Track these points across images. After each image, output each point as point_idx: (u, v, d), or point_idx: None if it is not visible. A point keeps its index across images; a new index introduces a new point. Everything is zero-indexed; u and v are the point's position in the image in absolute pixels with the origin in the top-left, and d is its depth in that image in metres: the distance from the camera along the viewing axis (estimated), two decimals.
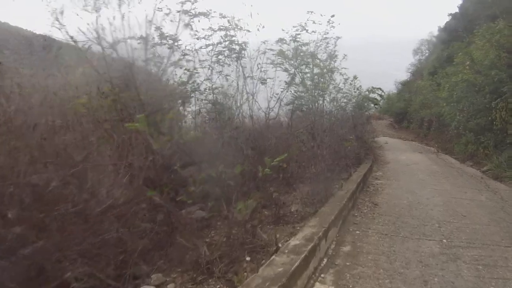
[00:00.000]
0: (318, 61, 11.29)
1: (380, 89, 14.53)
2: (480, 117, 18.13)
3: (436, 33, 52.26)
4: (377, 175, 13.74)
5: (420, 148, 25.93)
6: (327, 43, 11.49)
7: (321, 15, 10.69)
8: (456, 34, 31.39)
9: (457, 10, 41.13)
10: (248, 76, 9.57)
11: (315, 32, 10.87)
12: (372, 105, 16.95)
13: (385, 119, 51.47)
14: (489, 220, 8.18)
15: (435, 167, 16.80)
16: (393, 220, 7.82)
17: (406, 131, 39.50)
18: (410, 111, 39.59)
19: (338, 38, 11.54)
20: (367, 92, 14.65)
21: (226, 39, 8.92)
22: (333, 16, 10.87)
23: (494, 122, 16.09)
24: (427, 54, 53.47)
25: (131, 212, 4.56)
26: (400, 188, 11.37)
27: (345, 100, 14.88)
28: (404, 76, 55.67)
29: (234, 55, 9.18)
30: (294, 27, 10.40)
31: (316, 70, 11.21)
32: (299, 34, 10.39)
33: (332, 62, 11.95)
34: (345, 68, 12.62)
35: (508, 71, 16.33)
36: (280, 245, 5.02)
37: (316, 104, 11.67)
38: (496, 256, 6.00)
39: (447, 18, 43.53)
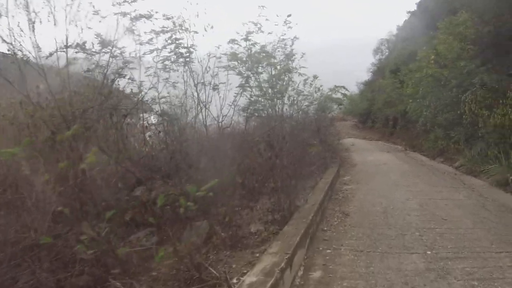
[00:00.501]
0: (274, 60, 10.45)
1: (344, 87, 13.63)
2: (448, 112, 17.59)
3: (395, 32, 52.55)
4: (346, 179, 12.85)
5: (387, 147, 25.34)
6: (285, 44, 10.91)
7: (277, 16, 10.27)
8: (416, 31, 31.18)
9: (416, 8, 41.20)
10: (198, 83, 8.80)
11: (271, 33, 10.36)
12: (336, 105, 16.09)
13: (349, 120, 51.65)
14: (473, 222, 7.38)
15: (405, 166, 16.10)
16: (367, 232, 6.85)
17: (371, 131, 39.34)
18: (374, 110, 39.59)
19: (296, 38, 10.93)
20: (329, 92, 13.67)
21: (171, 42, 8.10)
22: (289, 15, 10.32)
23: (464, 116, 15.44)
24: (387, 53, 53.30)
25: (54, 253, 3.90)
26: (372, 192, 10.49)
27: (306, 103, 14.00)
28: (366, 76, 55.59)
29: (181, 60, 8.38)
30: (244, 24, 9.59)
31: (272, 71, 10.42)
32: (251, 32, 9.60)
33: (290, 62, 11.18)
34: (304, 67, 11.69)
35: (475, 62, 15.87)
36: (235, 280, 4.08)
37: (276, 108, 10.83)
38: (490, 267, 5.14)
39: (407, 16, 44.01)
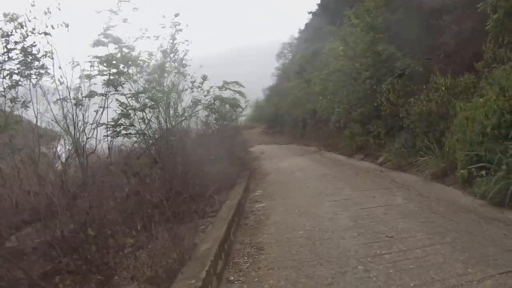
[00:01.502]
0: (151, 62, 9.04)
1: (237, 82, 11.30)
2: (363, 105, 16.19)
3: (296, 35, 52.11)
4: (257, 195, 10.68)
5: (299, 150, 23.44)
6: (176, 49, 9.79)
7: (164, 16, 9.15)
8: (318, 31, 30.22)
9: (316, 8, 40.39)
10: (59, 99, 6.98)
11: (157, 37, 9.21)
12: (235, 110, 14.00)
13: (258, 127, 50.41)
14: (428, 236, 5.63)
15: (323, 168, 14.25)
16: (292, 277, 4.72)
17: (281, 135, 37.74)
18: (281, 113, 38.51)
19: (188, 42, 9.92)
20: (218, 92, 11.25)
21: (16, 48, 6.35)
22: (177, 15, 9.29)
23: (382, 108, 13.84)
24: (290, 56, 52.66)
25: None
26: (290, 210, 8.37)
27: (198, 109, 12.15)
28: (271, 82, 54.84)
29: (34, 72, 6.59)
30: (97, 12, 7.33)
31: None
32: (112, 26, 7.43)
33: (182, 68, 10.18)
34: (187, 66, 10.35)
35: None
36: None
37: (160, 121, 9.21)
38: None
39: (308, 19, 43.50)
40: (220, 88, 10.78)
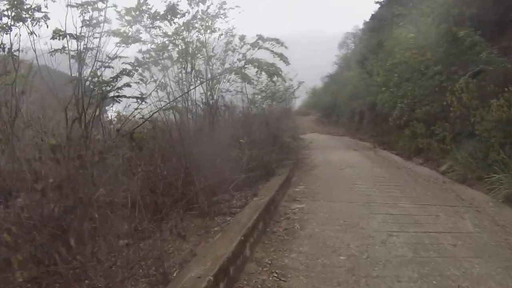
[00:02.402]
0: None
1: (277, 40, 9.42)
2: (429, 104, 14.26)
3: (361, 26, 49.78)
4: (298, 191, 9.08)
5: (353, 144, 21.63)
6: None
7: None
8: (384, 22, 28.15)
9: None
10: None
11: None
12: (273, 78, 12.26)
13: (312, 115, 48.96)
14: None
15: (377, 169, 12.50)
16: None
17: (336, 126, 35.94)
18: (339, 103, 36.50)
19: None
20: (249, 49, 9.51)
21: None
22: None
23: (451, 109, 11.91)
24: (352, 47, 50.50)
25: None
26: (334, 218, 6.71)
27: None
28: (331, 70, 52.96)
29: None
30: None
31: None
32: None
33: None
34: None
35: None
36: None
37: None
38: None
39: (375, 8, 41.13)
40: (253, 46, 9.08)
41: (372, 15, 41.00)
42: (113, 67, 6.22)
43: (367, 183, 10.01)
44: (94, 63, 5.79)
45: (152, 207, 5.27)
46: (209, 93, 9.16)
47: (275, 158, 10.17)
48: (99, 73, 5.92)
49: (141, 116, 7.29)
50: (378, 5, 38.49)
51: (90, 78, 5.74)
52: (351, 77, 30.87)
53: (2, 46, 5.09)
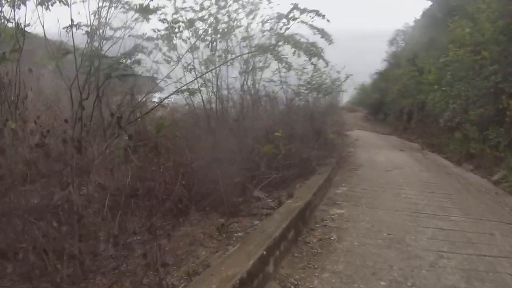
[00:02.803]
0: None
1: (317, 12, 8.32)
2: (483, 106, 13.24)
3: (411, 24, 48.26)
4: (339, 193, 8.37)
5: (400, 144, 20.61)
6: None
7: None
8: (435, 20, 27.38)
9: None
10: None
11: None
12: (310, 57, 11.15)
13: (360, 111, 48.05)
14: None
15: (426, 174, 11.59)
16: None
17: (383, 124, 34.85)
18: (387, 101, 35.13)
19: None
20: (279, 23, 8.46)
21: None
22: None
23: (508, 112, 11.03)
24: (403, 45, 49.05)
25: None
26: (376, 229, 6.00)
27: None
28: (380, 67, 51.69)
29: None
30: None
31: None
32: None
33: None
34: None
35: None
36: None
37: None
38: None
39: (426, 5, 39.66)
40: (284, 19, 8.14)
41: (423, 12, 39.80)
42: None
43: (415, 189, 9.19)
44: (100, 40, 5.27)
45: (174, 202, 4.72)
46: (249, 80, 8.58)
47: (316, 155, 9.47)
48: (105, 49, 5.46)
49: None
50: (430, 2, 37.27)
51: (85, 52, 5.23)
52: (401, 74, 29.55)
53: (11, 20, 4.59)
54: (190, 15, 7.11)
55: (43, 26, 4.75)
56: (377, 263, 4.59)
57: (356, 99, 49.41)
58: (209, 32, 7.50)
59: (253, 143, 6.97)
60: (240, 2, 7.89)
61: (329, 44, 8.73)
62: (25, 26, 4.58)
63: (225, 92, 8.60)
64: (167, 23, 6.74)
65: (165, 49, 7.08)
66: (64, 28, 5.04)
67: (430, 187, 9.52)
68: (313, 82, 12.27)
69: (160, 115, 7.53)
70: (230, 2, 7.61)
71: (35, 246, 2.94)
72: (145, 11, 5.57)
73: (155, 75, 6.72)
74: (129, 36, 5.84)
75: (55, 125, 4.86)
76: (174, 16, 6.90)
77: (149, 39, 6.29)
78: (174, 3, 6.85)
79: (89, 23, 5.17)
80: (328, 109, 15.17)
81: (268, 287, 3.81)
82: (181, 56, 7.12)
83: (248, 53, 8.26)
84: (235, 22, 8.00)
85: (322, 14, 7.96)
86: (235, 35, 8.18)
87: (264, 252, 3.74)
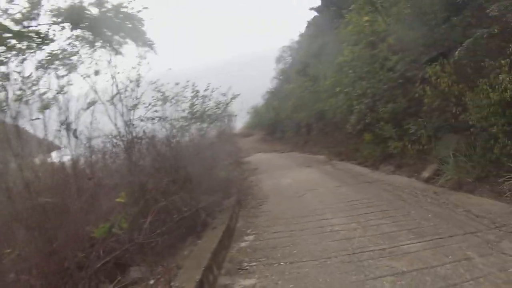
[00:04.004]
0: None
1: None
2: (392, 100, 11.75)
3: (296, 39, 48.50)
4: (245, 248, 5.96)
5: (305, 160, 18.68)
6: None
7: None
8: (323, 27, 27.71)
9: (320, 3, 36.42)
10: None
11: None
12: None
13: (256, 134, 46.75)
14: None
15: (344, 189, 9.65)
16: None
17: (281, 142, 33.51)
18: (282, 118, 34.08)
19: None
20: None
21: None
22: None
23: (425, 100, 9.68)
24: (290, 60, 48.88)
25: None
26: None
27: None
28: (270, 86, 51.05)
29: None
30: None
31: None
32: None
33: None
34: None
35: None
36: None
37: None
38: None
39: (310, 17, 40.92)
40: None
41: (308, 22, 39.94)
42: None
43: (340, 214, 7.10)
44: None
45: None
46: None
47: (206, 203, 7.15)
48: None
49: None
50: (314, 12, 37.33)
51: None
52: (293, 88, 28.65)
53: None
54: None
55: None
56: None
57: (250, 122, 48.46)
58: None
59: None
60: None
61: None
62: None
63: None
64: None
65: None
66: None
67: (356, 206, 7.49)
68: (195, 110, 10.11)
69: None
70: None
71: None
72: None
73: None
74: None
75: None
76: None
77: None
78: None
79: None
80: (218, 140, 13.02)
81: None
82: None
83: None
84: None
85: None
86: None
87: None
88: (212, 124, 11.71)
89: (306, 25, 42.91)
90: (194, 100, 10.31)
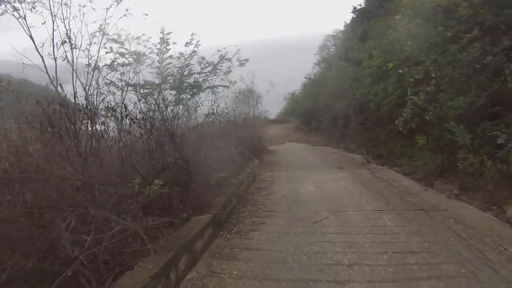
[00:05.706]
0: None
1: None
2: (469, 91, 7.86)
3: (341, 28, 45.39)
4: None
5: (338, 158, 15.41)
6: None
7: None
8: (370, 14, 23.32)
9: None
10: None
11: None
12: None
13: (292, 122, 44.14)
14: None
15: (389, 219, 6.19)
16: None
17: (316, 133, 30.76)
18: (319, 107, 30.55)
19: None
20: None
21: None
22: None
23: None
24: (333, 49, 45.76)
25: None
26: None
27: None
28: (311, 73, 48.34)
29: None
30: None
31: None
32: None
33: None
34: None
35: None
36: None
37: None
38: None
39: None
40: None
41: (355, 8, 36.81)
42: None
43: (380, 275, 3.82)
44: None
45: None
46: None
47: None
48: None
49: None
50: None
51: None
52: (333, 76, 25.05)
53: None
54: None
55: None
56: None
57: (287, 109, 46.77)
58: None
59: None
60: None
61: None
62: None
63: None
64: None
65: None
66: None
67: (412, 271, 4.08)
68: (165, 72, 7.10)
69: None
70: None
71: None
72: None
73: None
74: None
75: None
76: None
77: None
78: None
79: None
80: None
81: None
82: None
83: None
84: None
85: None
86: None
87: None
88: (197, 96, 8.06)
89: (352, 10, 40.09)
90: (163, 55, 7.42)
